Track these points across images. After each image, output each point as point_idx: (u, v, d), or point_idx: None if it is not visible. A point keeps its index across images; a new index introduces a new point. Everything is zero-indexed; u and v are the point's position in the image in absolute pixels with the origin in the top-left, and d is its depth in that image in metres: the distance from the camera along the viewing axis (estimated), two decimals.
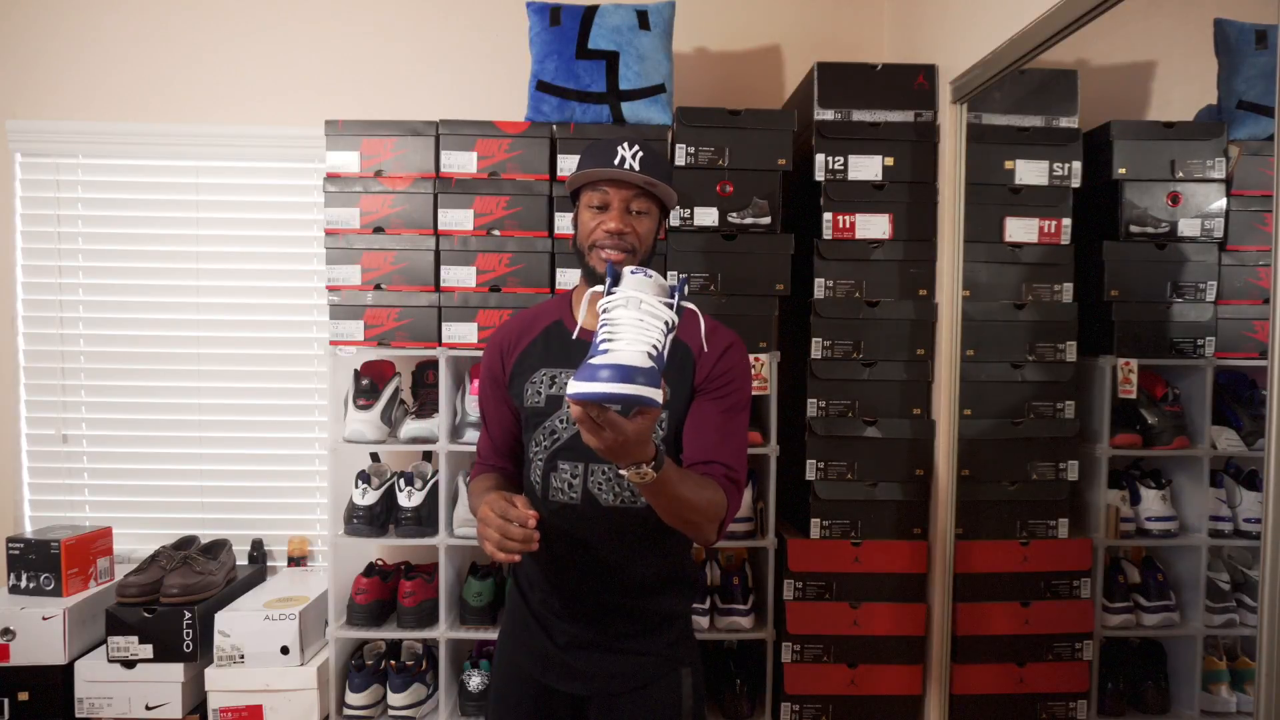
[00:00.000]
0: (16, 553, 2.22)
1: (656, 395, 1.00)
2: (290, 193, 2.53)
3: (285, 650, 2.11)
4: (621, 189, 1.31)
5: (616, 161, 1.29)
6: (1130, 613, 1.91)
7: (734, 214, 2.07)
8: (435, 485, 2.13)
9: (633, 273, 1.10)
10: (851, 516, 2.06)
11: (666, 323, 1.08)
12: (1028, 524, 1.98)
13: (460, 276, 2.10)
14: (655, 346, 1.05)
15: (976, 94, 1.89)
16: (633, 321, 1.05)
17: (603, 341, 1.05)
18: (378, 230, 2.11)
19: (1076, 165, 1.95)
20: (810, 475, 2.05)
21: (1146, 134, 1.88)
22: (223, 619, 2.11)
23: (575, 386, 1.00)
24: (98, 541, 2.31)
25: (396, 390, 2.21)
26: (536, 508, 1.33)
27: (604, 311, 1.09)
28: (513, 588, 1.45)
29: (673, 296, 1.11)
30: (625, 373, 0.98)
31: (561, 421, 1.34)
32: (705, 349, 1.33)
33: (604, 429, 1.03)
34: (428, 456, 2.31)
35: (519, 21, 2.26)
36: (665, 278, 1.32)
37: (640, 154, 1.30)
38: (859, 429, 2.04)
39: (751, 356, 1.89)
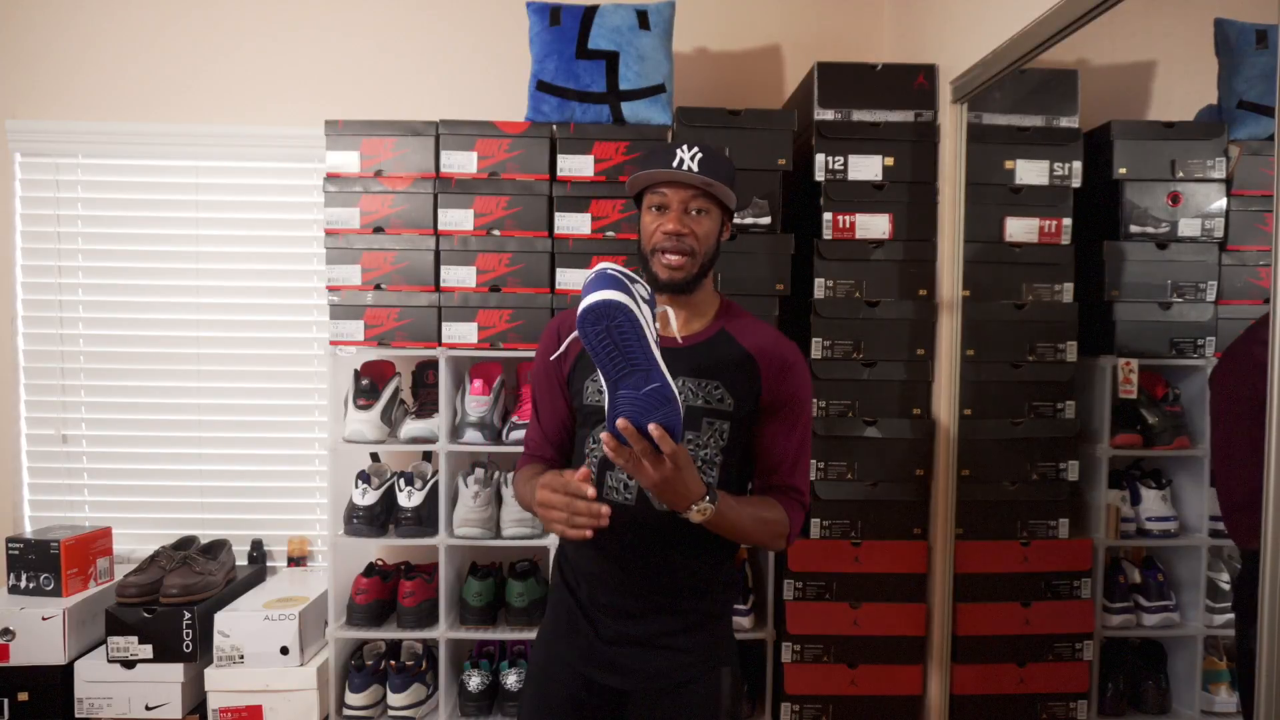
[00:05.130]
0: (16, 553, 2.22)
1: (669, 382, 1.10)
2: (290, 193, 2.53)
3: (285, 650, 2.11)
4: (679, 190, 1.32)
5: (675, 164, 1.31)
6: (1130, 613, 1.91)
7: (734, 214, 2.06)
8: (435, 485, 2.13)
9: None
10: (851, 516, 2.06)
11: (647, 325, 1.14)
12: (1028, 524, 1.98)
13: (460, 276, 2.10)
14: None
15: (977, 94, 1.89)
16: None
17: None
18: (378, 230, 2.11)
19: (1077, 165, 1.95)
20: (810, 475, 2.04)
21: (1147, 134, 1.88)
22: (222, 619, 2.11)
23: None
24: (97, 541, 2.31)
25: (396, 390, 2.21)
26: None
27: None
28: (559, 581, 1.45)
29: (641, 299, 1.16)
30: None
31: None
32: (769, 361, 1.36)
33: (643, 470, 1.10)
34: (428, 456, 2.31)
35: (519, 21, 2.26)
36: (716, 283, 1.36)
37: (699, 155, 1.31)
38: (859, 429, 2.04)
39: None
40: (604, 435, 1.10)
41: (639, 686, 1.36)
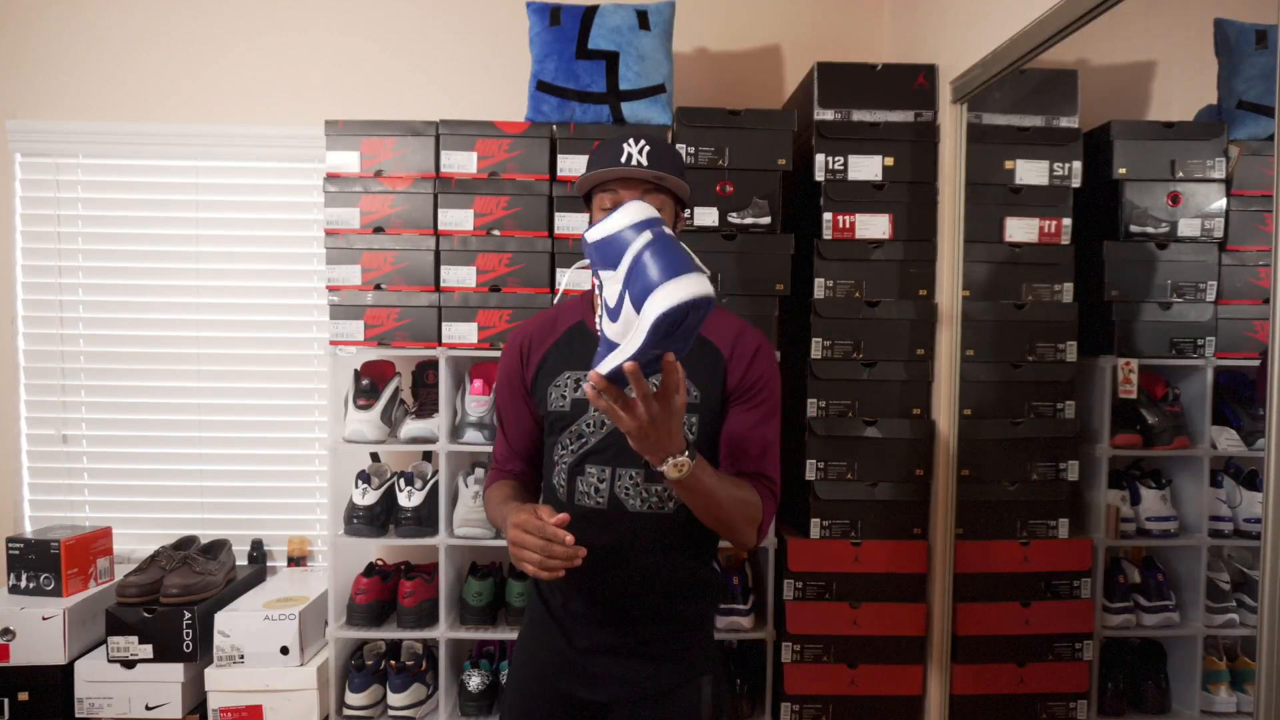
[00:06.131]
0: (16, 553, 2.22)
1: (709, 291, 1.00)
2: (290, 193, 2.53)
3: (285, 650, 2.11)
4: (631, 186, 1.29)
5: (623, 159, 1.27)
6: (1130, 613, 1.91)
7: (734, 214, 2.07)
8: (435, 485, 2.13)
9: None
10: (851, 516, 2.06)
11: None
12: (1028, 524, 1.98)
13: (460, 276, 2.10)
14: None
15: (976, 94, 1.89)
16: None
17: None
18: (378, 230, 2.11)
19: (1076, 165, 1.95)
20: (810, 475, 2.05)
21: (1146, 134, 1.88)
22: (223, 619, 2.11)
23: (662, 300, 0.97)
24: (98, 541, 2.31)
25: (396, 390, 2.21)
26: (560, 511, 1.33)
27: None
28: (532, 590, 1.43)
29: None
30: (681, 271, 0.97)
31: (589, 425, 1.32)
32: (734, 351, 1.33)
33: (632, 410, 1.03)
34: (428, 456, 2.31)
35: (519, 21, 2.26)
36: None
37: (647, 149, 1.28)
38: (859, 429, 2.04)
39: None
40: (591, 375, 1.02)
41: (617, 697, 1.33)
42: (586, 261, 1.16)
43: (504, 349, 1.45)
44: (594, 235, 1.08)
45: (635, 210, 1.06)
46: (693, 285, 0.97)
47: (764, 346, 1.36)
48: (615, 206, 1.28)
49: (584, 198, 1.38)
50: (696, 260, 1.04)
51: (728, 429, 1.33)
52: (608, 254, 1.05)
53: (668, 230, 1.04)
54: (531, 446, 1.44)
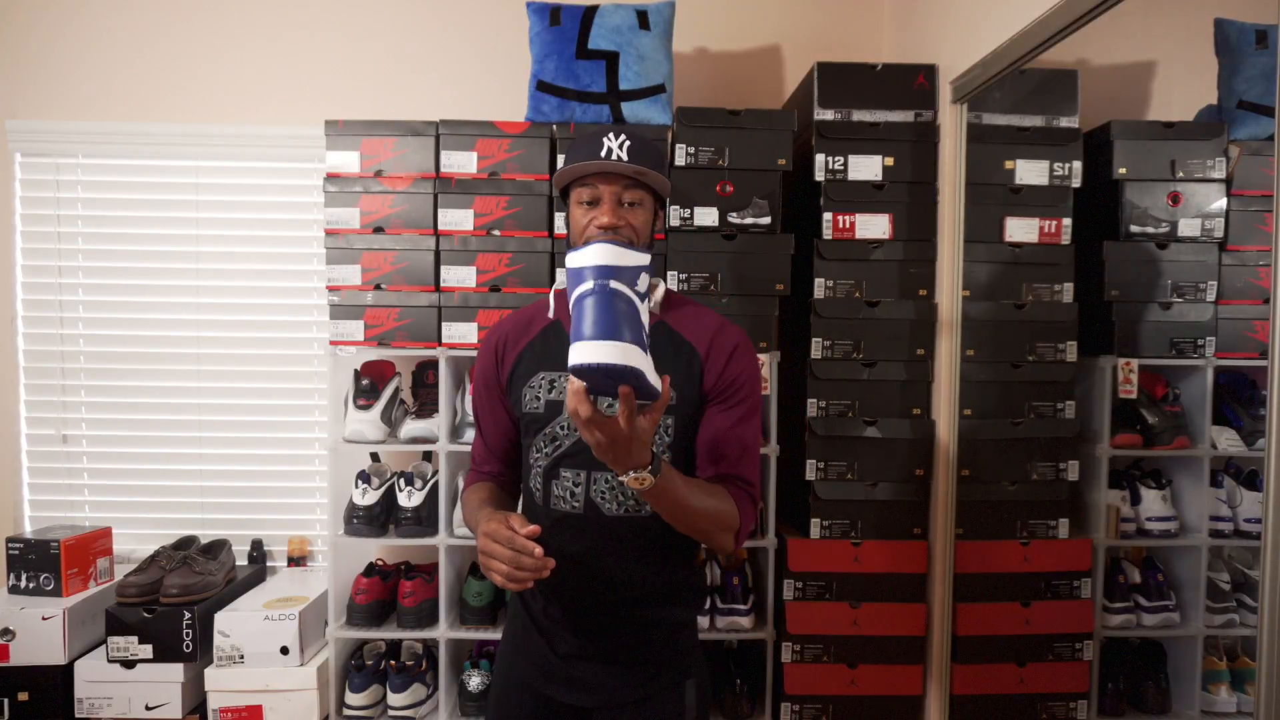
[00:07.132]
0: (16, 553, 2.22)
1: (649, 374, 1.00)
2: (290, 193, 2.53)
3: (285, 650, 2.11)
4: (611, 181, 1.26)
5: (603, 154, 1.24)
6: (1130, 613, 1.91)
7: (734, 214, 2.07)
8: (435, 485, 2.13)
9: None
10: (851, 516, 2.06)
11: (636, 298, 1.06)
12: (1028, 524, 1.98)
13: (460, 276, 2.10)
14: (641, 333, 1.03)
15: (976, 94, 1.89)
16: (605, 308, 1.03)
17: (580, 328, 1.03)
18: (378, 230, 2.11)
19: (1077, 165, 1.95)
20: (810, 475, 2.05)
21: (1147, 134, 1.88)
22: (222, 619, 2.11)
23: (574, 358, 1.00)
24: (97, 541, 2.31)
25: (396, 390, 2.21)
26: (537, 517, 1.30)
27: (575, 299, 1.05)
28: (514, 594, 1.41)
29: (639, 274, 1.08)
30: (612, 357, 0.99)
31: (563, 428, 1.30)
32: (711, 349, 1.30)
33: (594, 428, 1.03)
34: (428, 456, 2.31)
35: (519, 21, 2.26)
36: (665, 279, 1.25)
37: (628, 143, 1.25)
38: (859, 429, 2.04)
39: None
40: (571, 379, 1.03)
41: (600, 703, 1.32)
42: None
43: (480, 348, 1.42)
44: (569, 261, 1.08)
45: (601, 254, 1.04)
46: (603, 353, 0.98)
47: (743, 344, 1.33)
48: (593, 201, 1.28)
49: (561, 193, 1.35)
50: (630, 325, 1.02)
51: (705, 430, 1.30)
52: (571, 283, 1.07)
53: (616, 285, 1.03)
54: (509, 447, 1.42)
